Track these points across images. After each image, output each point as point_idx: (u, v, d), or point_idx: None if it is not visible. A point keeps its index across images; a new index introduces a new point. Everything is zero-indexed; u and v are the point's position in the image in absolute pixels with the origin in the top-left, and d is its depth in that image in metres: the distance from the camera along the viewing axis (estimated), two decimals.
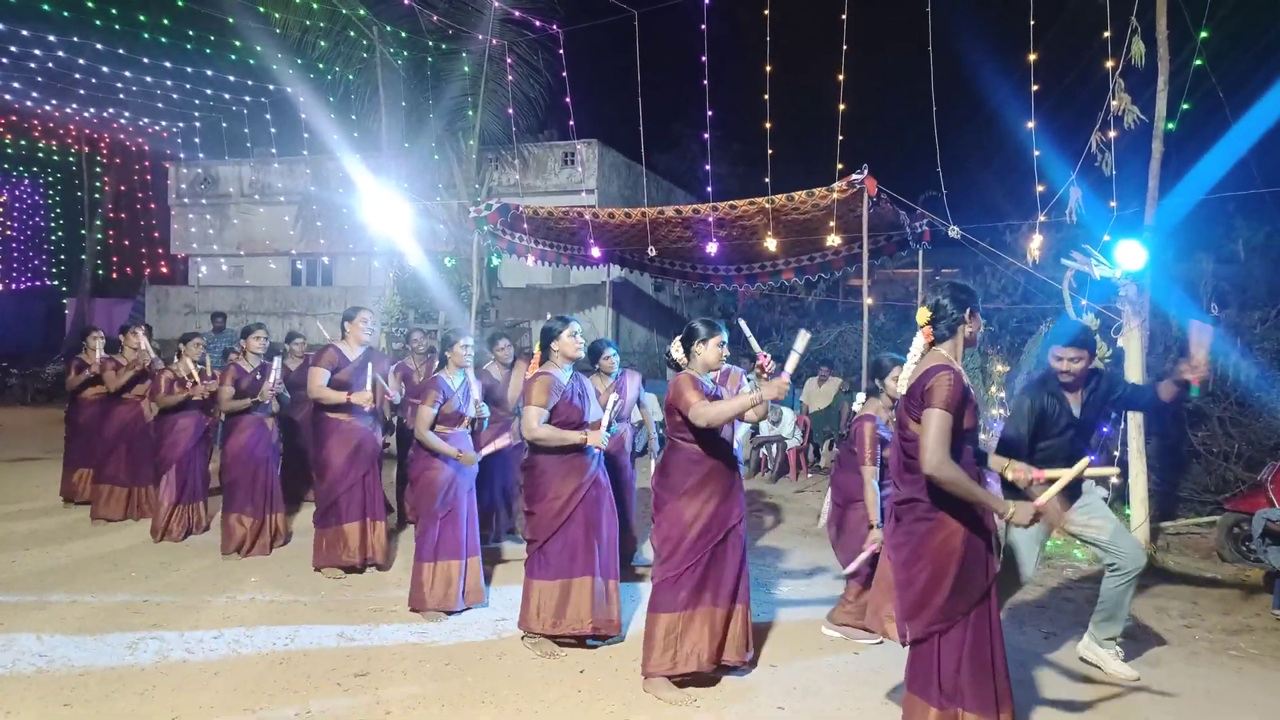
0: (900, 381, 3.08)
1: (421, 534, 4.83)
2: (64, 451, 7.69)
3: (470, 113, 11.87)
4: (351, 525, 5.45)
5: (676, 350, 3.94)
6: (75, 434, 7.51)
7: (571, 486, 4.19)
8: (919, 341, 3.03)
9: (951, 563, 2.88)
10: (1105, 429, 4.48)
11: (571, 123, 9.36)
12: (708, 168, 8.64)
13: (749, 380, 5.02)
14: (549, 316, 4.68)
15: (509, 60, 10.29)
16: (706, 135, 8.49)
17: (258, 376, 6.04)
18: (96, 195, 21.26)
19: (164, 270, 21.57)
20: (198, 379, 6.31)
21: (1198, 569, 6.08)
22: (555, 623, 4.19)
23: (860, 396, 5.11)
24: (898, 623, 3.10)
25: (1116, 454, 6.53)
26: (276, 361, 6.20)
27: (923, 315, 3.00)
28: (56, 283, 23.93)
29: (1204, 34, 6.07)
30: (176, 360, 6.54)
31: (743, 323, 4.43)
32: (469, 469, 4.90)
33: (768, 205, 8.53)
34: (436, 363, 4.42)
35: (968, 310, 3.00)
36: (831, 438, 10.92)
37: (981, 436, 7.26)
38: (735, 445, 3.97)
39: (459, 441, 4.87)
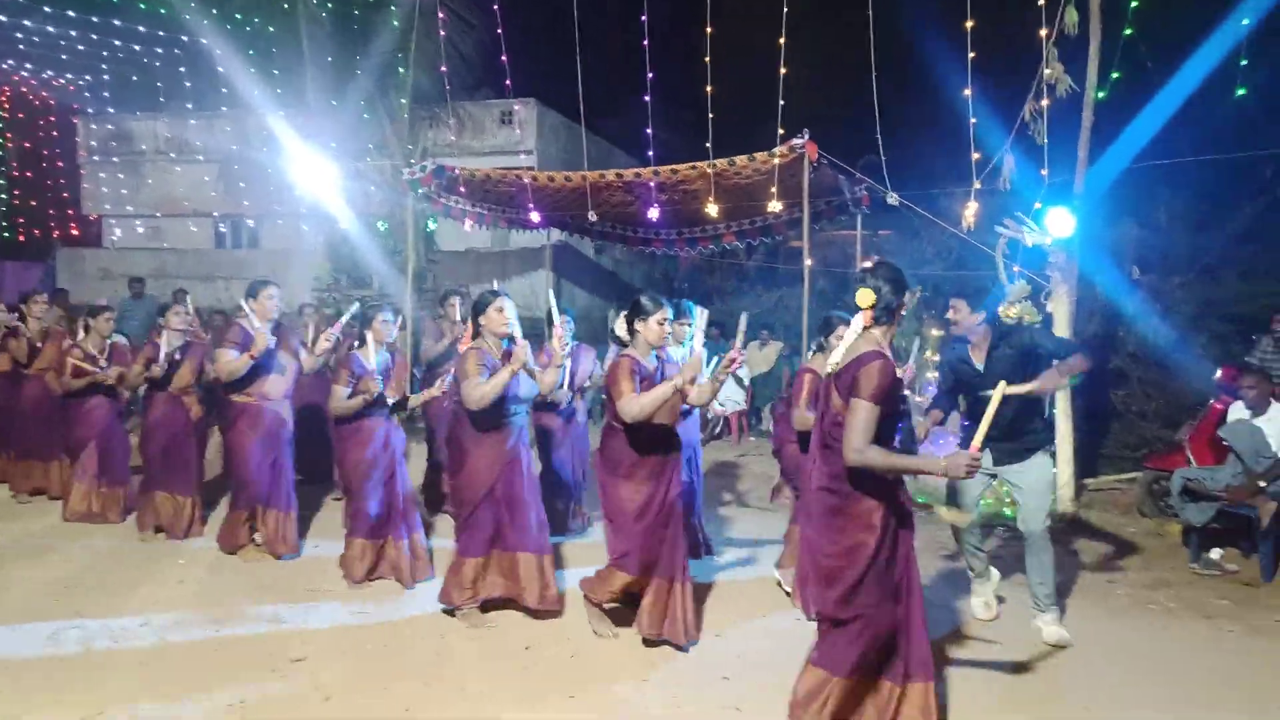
0: (831, 356, 3.06)
1: (354, 513, 4.75)
2: None
3: (401, 70, 11.42)
4: (254, 510, 5.26)
5: (620, 327, 3.93)
6: None
7: (488, 461, 4.19)
8: (858, 321, 3.01)
9: (864, 553, 2.86)
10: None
11: (508, 82, 9.07)
12: (649, 131, 8.47)
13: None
14: (495, 284, 4.54)
15: (441, 15, 9.88)
16: (647, 98, 8.32)
17: (176, 357, 5.71)
18: None
19: (75, 232, 20.39)
20: (99, 363, 5.99)
21: (1118, 524, 6.36)
22: (475, 592, 4.21)
23: (809, 355, 5.15)
24: (813, 597, 3.02)
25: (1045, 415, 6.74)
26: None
27: (865, 297, 2.96)
28: None
29: (1135, 2, 6.16)
30: (84, 335, 6.18)
31: (744, 317, 4.33)
32: (390, 448, 4.79)
33: (709, 170, 8.48)
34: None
35: (905, 293, 3.01)
36: (773, 401, 11.05)
37: (918, 399, 7.37)
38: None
39: (377, 415, 4.77)
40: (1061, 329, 6.52)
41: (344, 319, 5.35)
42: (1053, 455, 4.56)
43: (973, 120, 6.74)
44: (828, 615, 2.95)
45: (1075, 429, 6.76)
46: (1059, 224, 6.09)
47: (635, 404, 3.61)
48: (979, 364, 4.20)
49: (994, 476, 4.31)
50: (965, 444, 4.30)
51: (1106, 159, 6.41)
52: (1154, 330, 8.97)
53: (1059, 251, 6.41)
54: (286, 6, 11.11)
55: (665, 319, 3.84)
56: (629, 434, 3.80)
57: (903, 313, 3.07)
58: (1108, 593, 4.94)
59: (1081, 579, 5.14)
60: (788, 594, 4.58)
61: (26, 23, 12.30)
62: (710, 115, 8.02)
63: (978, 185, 6.90)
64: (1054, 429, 6.66)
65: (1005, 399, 4.01)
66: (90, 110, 18.39)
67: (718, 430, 10.30)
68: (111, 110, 18.27)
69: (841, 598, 2.89)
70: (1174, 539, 5.92)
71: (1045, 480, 4.21)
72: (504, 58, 9.04)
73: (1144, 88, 6.48)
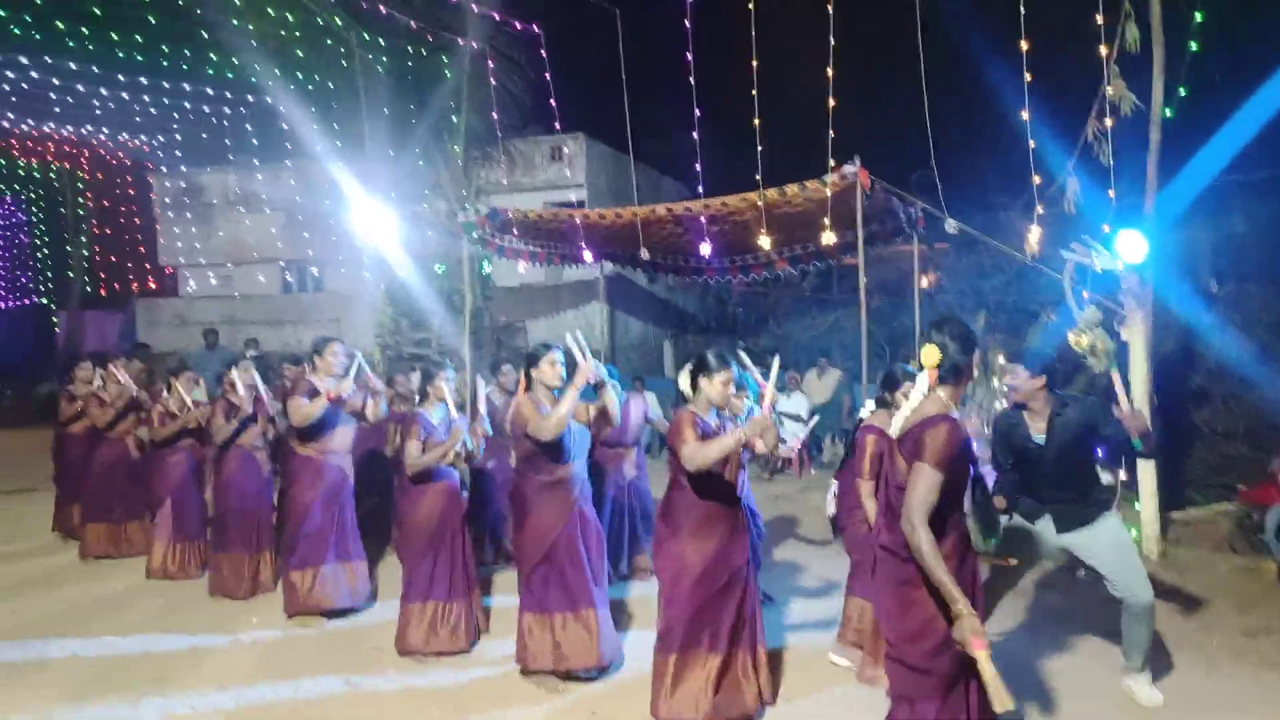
0: (895, 420, 2.98)
1: (410, 575, 4.70)
2: (56, 487, 7.61)
3: (454, 118, 11.70)
4: (326, 568, 5.25)
5: (684, 381, 3.88)
6: (64, 469, 7.44)
7: (552, 516, 4.18)
8: (923, 381, 2.92)
9: (930, 627, 2.75)
10: (1100, 453, 4.35)
11: (558, 125, 9.19)
12: (698, 168, 8.47)
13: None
14: (563, 341, 4.54)
15: (491, 63, 10.09)
16: (695, 134, 8.31)
17: (250, 409, 5.87)
18: (80, 211, 20.99)
19: (152, 285, 21.35)
20: (190, 406, 6.22)
21: (1209, 562, 6.02)
22: (555, 659, 4.16)
23: (869, 404, 4.98)
24: (889, 672, 2.92)
25: (1124, 476, 6.44)
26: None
27: (930, 355, 2.87)
28: (45, 300, 23.69)
29: (1199, 16, 5.92)
30: (167, 394, 6.43)
31: (743, 355, 4.29)
32: (456, 508, 4.81)
33: (760, 202, 8.42)
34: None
35: (974, 351, 2.91)
36: (833, 432, 10.86)
37: (986, 431, 7.07)
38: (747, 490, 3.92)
39: (444, 474, 4.78)
40: (1138, 357, 6.25)
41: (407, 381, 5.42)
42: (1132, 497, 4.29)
43: (1032, 143, 6.54)
44: (906, 694, 2.83)
45: (1157, 460, 6.45)
46: (1131, 248, 5.83)
47: (700, 452, 3.51)
48: (1038, 435, 3.88)
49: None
50: (1023, 512, 4.07)
51: (1179, 180, 6.13)
52: (1235, 344, 8.54)
53: (1131, 275, 6.15)
54: (345, 65, 11.51)
55: (730, 380, 3.76)
56: (694, 490, 3.71)
57: (974, 372, 2.96)
58: (1201, 643, 4.66)
59: (1172, 626, 4.86)
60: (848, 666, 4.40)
61: (103, 90, 13.01)
62: (758, 148, 7.97)
63: (1040, 210, 6.69)
64: (1133, 462, 6.38)
65: (1066, 452, 3.81)
66: (164, 169, 19.31)
67: (780, 465, 10.14)
68: (183, 168, 19.14)
69: (917, 674, 2.78)
70: (1270, 578, 5.58)
71: (1124, 542, 3.89)
72: (553, 101, 9.17)
73: (1214, 103, 6.20)
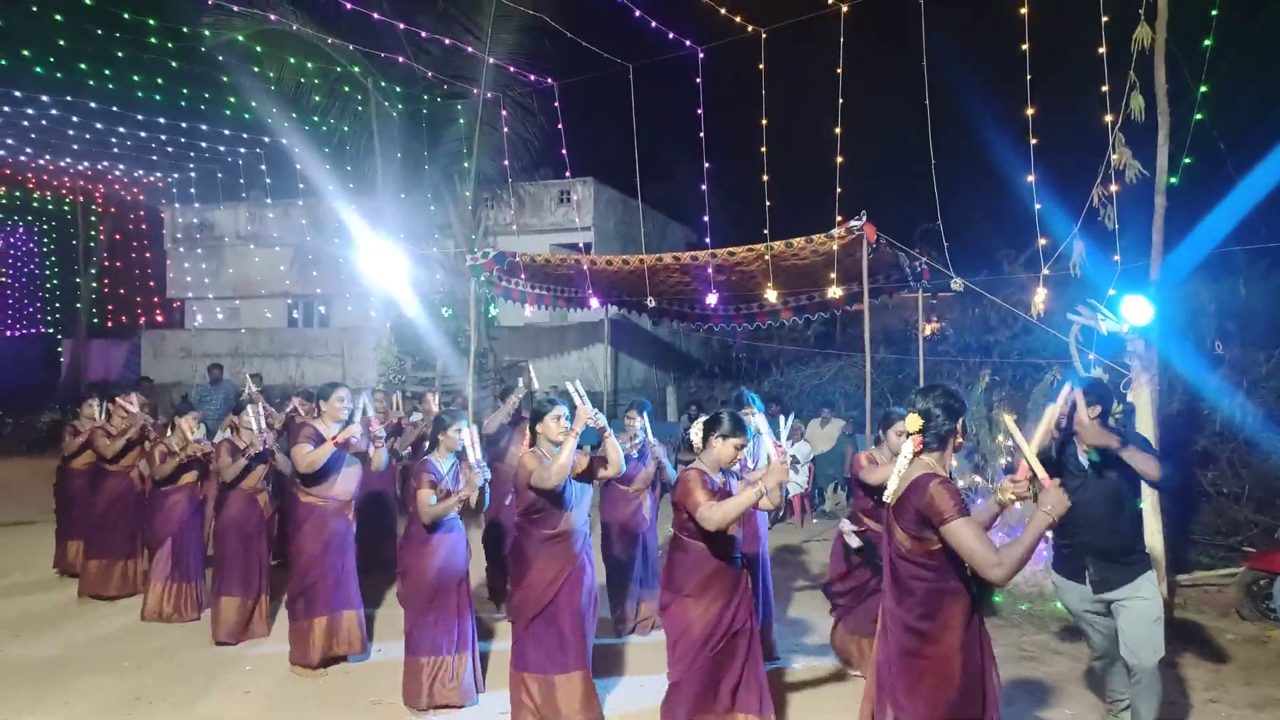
0: (889, 484, 2.98)
1: (413, 627, 4.64)
2: (56, 523, 7.56)
3: (465, 164, 11.89)
4: (323, 618, 5.19)
5: (695, 433, 3.88)
6: (66, 504, 7.39)
7: (553, 572, 4.16)
8: (907, 448, 2.93)
9: (940, 690, 2.76)
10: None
11: (569, 174, 9.34)
12: (705, 219, 8.59)
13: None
14: (566, 384, 4.58)
15: (504, 112, 10.30)
16: (704, 187, 8.44)
17: (250, 456, 5.86)
18: (91, 243, 21.19)
19: (159, 318, 21.46)
20: (188, 442, 6.19)
21: (1216, 629, 5.95)
22: (537, 711, 4.12)
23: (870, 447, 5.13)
24: None
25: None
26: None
27: (913, 422, 2.89)
28: (52, 330, 23.79)
29: (1204, 88, 6.04)
30: (171, 432, 6.43)
31: (791, 420, 4.42)
32: (460, 559, 4.77)
33: (767, 255, 8.50)
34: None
35: (959, 421, 2.92)
36: (836, 481, 10.81)
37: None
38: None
39: (450, 525, 4.74)
40: (1145, 419, 6.25)
41: (415, 418, 5.44)
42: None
43: (1038, 206, 6.63)
44: None
45: (1163, 518, 6.42)
46: (1137, 312, 5.87)
47: (717, 511, 3.50)
48: (1082, 455, 4.00)
49: (1107, 610, 4.00)
50: (1064, 570, 4.08)
51: (1184, 246, 6.20)
52: (1241, 406, 8.54)
53: (1137, 340, 6.18)
54: (360, 109, 11.74)
55: (743, 445, 3.76)
56: (700, 547, 3.68)
57: (960, 440, 2.96)
58: (1209, 713, 4.60)
59: (1182, 698, 4.79)
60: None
61: (121, 128, 13.24)
62: (767, 204, 8.08)
63: (1046, 271, 6.75)
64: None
65: (1108, 487, 3.87)
66: (177, 205, 19.55)
67: (780, 514, 10.08)
68: (197, 204, 19.39)
69: None
70: (1278, 646, 5.51)
71: (1155, 608, 3.88)
72: (564, 151, 9.32)
73: (1219, 171, 6.30)
